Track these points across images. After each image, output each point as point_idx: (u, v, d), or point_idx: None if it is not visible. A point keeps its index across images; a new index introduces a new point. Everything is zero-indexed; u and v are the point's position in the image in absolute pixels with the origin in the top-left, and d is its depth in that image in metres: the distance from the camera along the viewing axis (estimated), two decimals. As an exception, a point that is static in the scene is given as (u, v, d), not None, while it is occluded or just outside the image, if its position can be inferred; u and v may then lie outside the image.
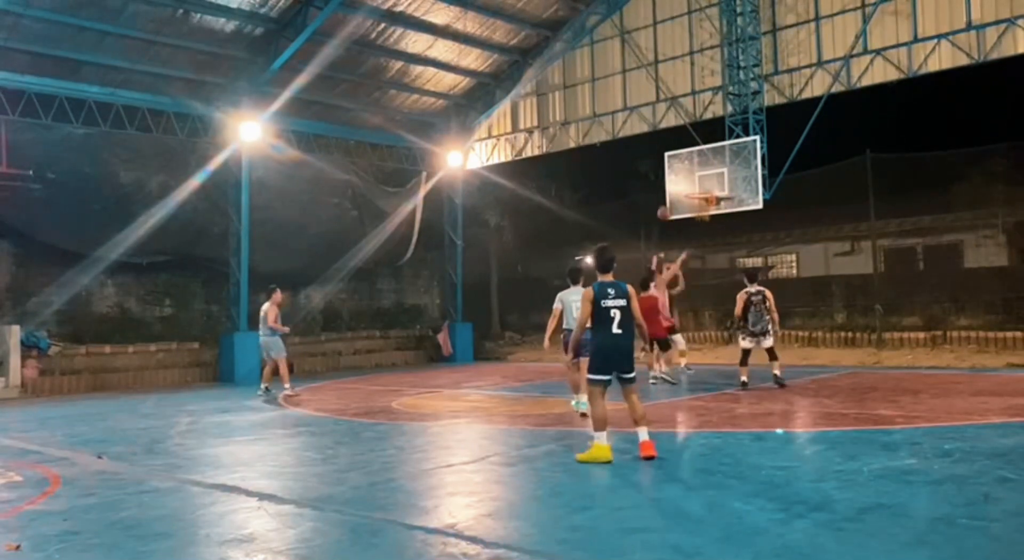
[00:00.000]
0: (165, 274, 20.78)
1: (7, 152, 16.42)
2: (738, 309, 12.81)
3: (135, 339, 19.21)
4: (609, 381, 7.48)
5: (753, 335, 12.73)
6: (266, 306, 14.88)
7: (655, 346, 14.18)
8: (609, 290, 7.46)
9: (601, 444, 7.37)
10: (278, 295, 15.06)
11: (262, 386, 14.95)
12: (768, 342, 12.66)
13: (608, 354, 7.43)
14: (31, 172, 16.60)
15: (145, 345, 19.13)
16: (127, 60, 17.06)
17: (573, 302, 10.19)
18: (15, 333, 16.58)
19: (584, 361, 8.47)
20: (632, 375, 7.49)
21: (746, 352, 12.90)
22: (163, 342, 19.50)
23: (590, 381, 7.58)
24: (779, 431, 8.93)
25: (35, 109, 16.23)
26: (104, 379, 17.60)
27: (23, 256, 18.51)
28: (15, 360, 16.45)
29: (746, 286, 12.96)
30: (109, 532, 5.56)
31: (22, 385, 16.49)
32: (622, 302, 7.43)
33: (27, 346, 17.02)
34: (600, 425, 7.43)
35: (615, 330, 7.36)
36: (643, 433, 7.38)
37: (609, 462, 7.23)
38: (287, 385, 14.54)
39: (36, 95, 16.21)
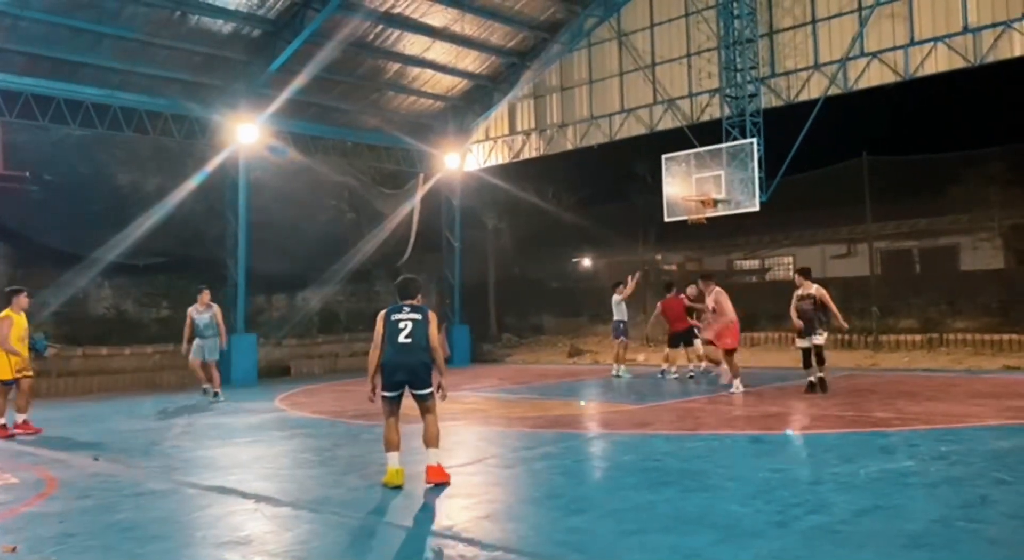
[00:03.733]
0: (162, 276, 20.77)
1: (4, 153, 16.44)
2: (794, 318, 12.18)
3: (132, 341, 19.17)
4: (396, 397, 6.85)
5: (806, 335, 12.03)
6: (216, 307, 14.80)
7: (680, 344, 15.31)
8: (405, 307, 6.96)
9: (391, 467, 6.74)
10: (206, 295, 14.91)
11: (212, 391, 14.57)
12: (819, 339, 11.95)
13: (392, 370, 6.81)
14: (28, 174, 16.62)
15: (142, 347, 19.08)
16: (124, 62, 17.04)
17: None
18: (11, 335, 16.53)
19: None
20: (424, 392, 6.83)
21: (806, 352, 12.14)
22: (160, 344, 19.44)
23: (382, 398, 6.92)
24: (788, 432, 8.96)
25: (32, 111, 16.21)
26: (101, 381, 17.57)
27: (20, 257, 18.50)
28: (12, 362, 16.40)
29: (797, 288, 12.34)
30: (105, 534, 5.56)
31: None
32: (416, 316, 6.87)
33: (24, 348, 16.96)
34: (388, 446, 6.82)
35: (400, 342, 6.77)
36: (432, 456, 6.79)
37: (400, 487, 6.61)
38: (218, 389, 14.49)
39: (33, 96, 16.19)
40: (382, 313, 7.03)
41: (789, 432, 9.02)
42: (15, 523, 5.88)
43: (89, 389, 17.15)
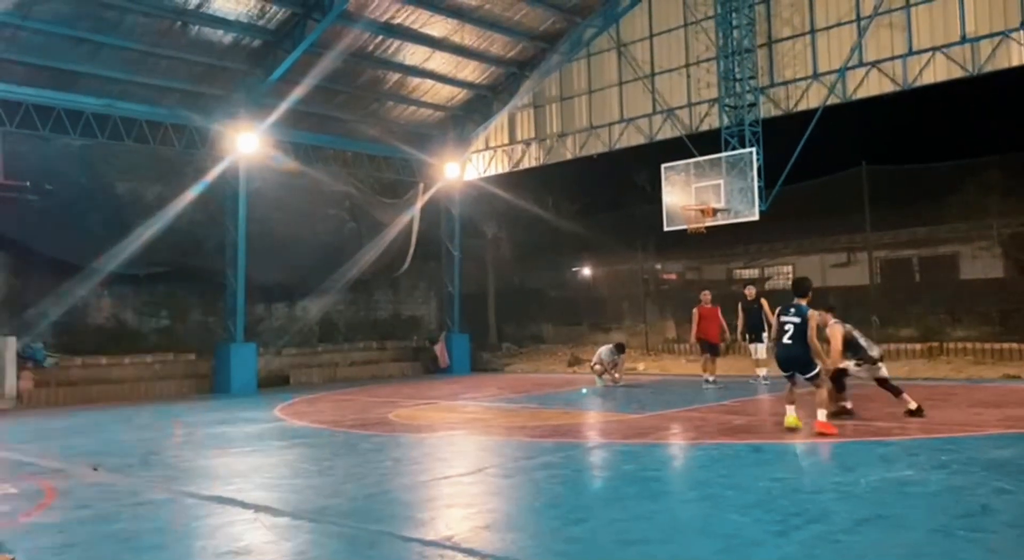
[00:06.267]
0: (162, 285, 20.74)
1: (4, 164, 16.43)
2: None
3: (131, 350, 19.16)
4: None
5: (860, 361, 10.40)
6: None
7: (714, 352, 15.40)
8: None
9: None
10: None
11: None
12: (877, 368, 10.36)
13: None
14: (28, 183, 16.59)
15: (141, 356, 19.08)
16: (125, 72, 17.09)
17: None
18: (11, 345, 16.53)
19: None
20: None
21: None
22: (159, 353, 19.45)
23: None
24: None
25: (33, 120, 16.24)
26: (100, 390, 17.55)
27: (20, 267, 18.47)
28: (11, 372, 16.40)
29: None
30: (104, 544, 5.54)
31: (18, 397, 16.43)
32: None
33: (23, 358, 16.96)
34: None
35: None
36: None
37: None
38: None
39: (34, 106, 16.23)
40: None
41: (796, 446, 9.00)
42: (14, 533, 5.86)
43: (88, 399, 17.13)
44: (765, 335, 14.94)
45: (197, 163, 18.85)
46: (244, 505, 6.52)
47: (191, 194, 18.36)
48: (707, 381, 15.31)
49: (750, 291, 15.75)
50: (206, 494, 7.05)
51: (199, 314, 21.51)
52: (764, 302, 15.18)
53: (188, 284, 21.06)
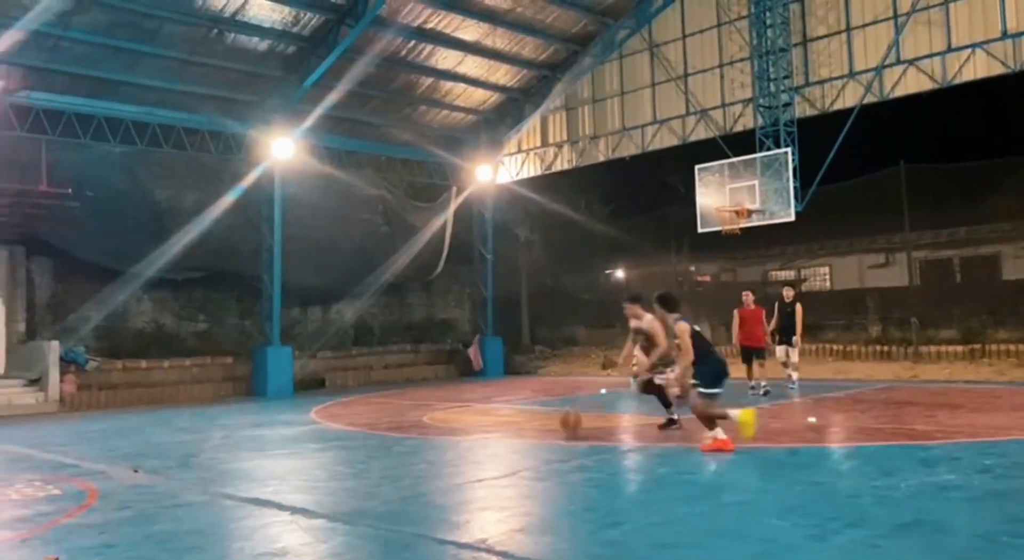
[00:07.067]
0: (200, 290, 21.04)
1: (47, 171, 16.77)
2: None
3: (170, 354, 19.47)
4: None
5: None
6: None
7: (760, 356, 14.39)
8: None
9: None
10: None
11: None
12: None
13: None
14: (70, 190, 16.92)
15: (180, 360, 19.37)
16: (163, 80, 17.36)
17: None
18: (54, 349, 16.89)
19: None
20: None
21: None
22: (197, 357, 19.73)
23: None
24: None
25: (74, 129, 16.58)
26: (140, 393, 17.84)
27: (62, 273, 18.86)
28: (54, 375, 16.75)
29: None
30: (144, 545, 5.62)
31: (61, 400, 16.77)
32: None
33: (66, 361, 17.31)
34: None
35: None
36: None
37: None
38: None
39: (75, 115, 16.56)
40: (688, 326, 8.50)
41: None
42: (57, 534, 5.97)
43: (128, 401, 17.42)
44: (796, 339, 14.60)
45: (233, 169, 19.10)
46: (281, 507, 6.58)
47: (228, 199, 18.59)
48: (756, 387, 14.34)
49: (788, 292, 15.39)
50: (243, 496, 7.13)
51: (236, 318, 21.79)
52: (799, 306, 14.86)
53: (225, 288, 21.35)
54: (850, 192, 20.57)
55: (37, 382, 16.83)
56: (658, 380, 9.92)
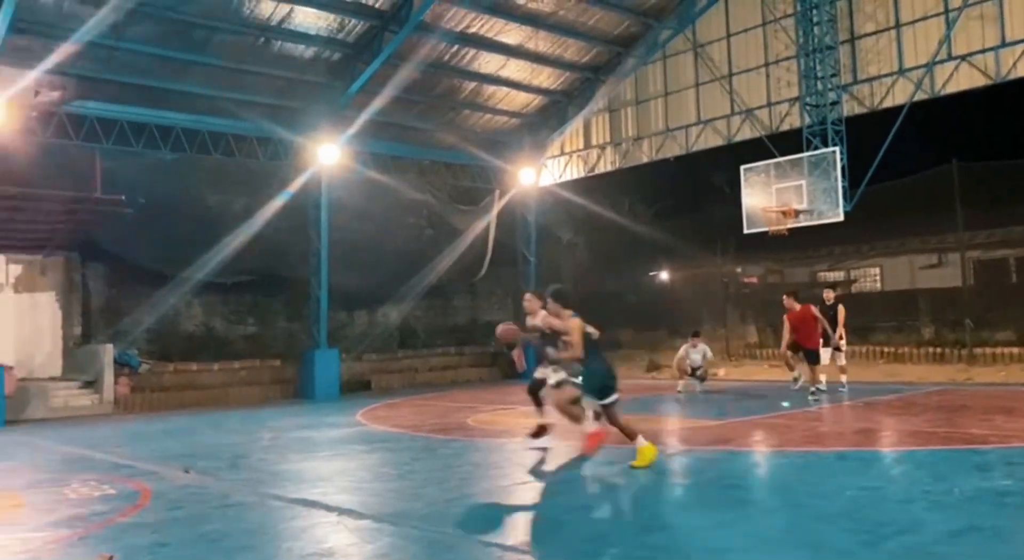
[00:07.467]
0: (248, 293, 21.41)
1: (101, 179, 17.23)
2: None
3: (220, 357, 19.84)
4: None
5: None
6: None
7: (810, 359, 13.80)
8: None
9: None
10: None
11: None
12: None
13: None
14: (123, 197, 17.35)
15: (229, 362, 19.72)
16: (212, 88, 17.70)
17: None
18: (109, 351, 17.34)
19: None
20: None
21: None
22: (246, 359, 20.07)
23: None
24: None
25: (127, 137, 16.98)
26: (191, 396, 18.19)
27: (116, 278, 19.34)
28: (108, 377, 17.19)
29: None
30: (196, 545, 5.74)
31: (115, 401, 17.20)
32: None
33: (119, 364, 17.76)
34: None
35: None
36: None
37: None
38: None
39: (128, 123, 16.96)
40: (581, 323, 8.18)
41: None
42: (112, 533, 6.12)
43: (180, 403, 17.77)
44: (835, 341, 14.25)
45: (281, 174, 19.38)
46: (328, 508, 6.66)
47: (276, 204, 18.90)
48: (814, 391, 13.69)
49: (828, 295, 15.11)
50: (292, 497, 7.23)
51: (284, 321, 22.11)
52: (841, 308, 14.54)
53: (273, 292, 21.68)
54: (901, 191, 20.13)
55: (92, 384, 17.30)
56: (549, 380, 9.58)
